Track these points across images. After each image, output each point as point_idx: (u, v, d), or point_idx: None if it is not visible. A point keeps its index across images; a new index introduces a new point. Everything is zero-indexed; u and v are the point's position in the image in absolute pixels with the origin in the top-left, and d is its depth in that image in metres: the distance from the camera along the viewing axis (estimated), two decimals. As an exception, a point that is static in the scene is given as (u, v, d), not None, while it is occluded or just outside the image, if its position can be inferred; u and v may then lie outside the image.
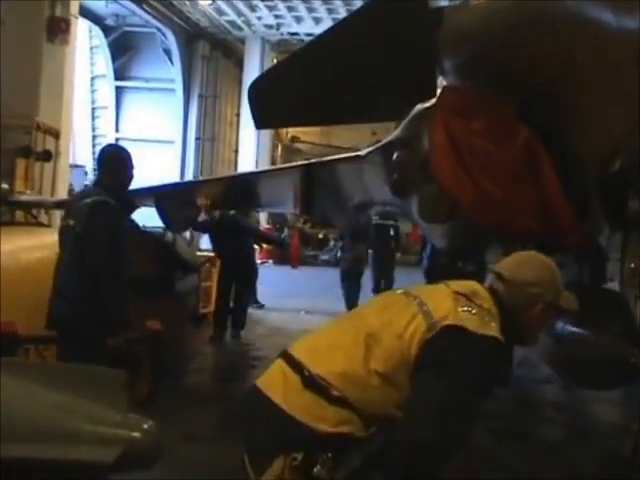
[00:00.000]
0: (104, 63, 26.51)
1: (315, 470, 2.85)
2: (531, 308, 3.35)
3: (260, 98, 5.56)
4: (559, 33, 4.12)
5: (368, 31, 4.99)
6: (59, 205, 10.31)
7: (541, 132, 4.62)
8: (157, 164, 23.58)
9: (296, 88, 5.31)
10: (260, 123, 5.96)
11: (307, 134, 31.00)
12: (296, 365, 3.10)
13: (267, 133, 29.72)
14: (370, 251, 17.13)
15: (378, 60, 5.03)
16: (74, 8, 14.57)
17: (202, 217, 13.08)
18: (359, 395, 2.97)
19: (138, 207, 10.51)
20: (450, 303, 3.14)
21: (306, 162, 9.52)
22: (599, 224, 4.98)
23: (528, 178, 4.77)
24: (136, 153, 18.52)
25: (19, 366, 3.83)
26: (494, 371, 3.11)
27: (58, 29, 13.89)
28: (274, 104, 5.48)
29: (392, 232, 16.70)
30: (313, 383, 3.00)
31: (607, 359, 5.50)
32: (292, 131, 32.35)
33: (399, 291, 3.40)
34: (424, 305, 3.13)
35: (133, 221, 10.78)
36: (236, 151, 28.40)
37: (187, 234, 16.69)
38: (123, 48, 26.18)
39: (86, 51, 25.98)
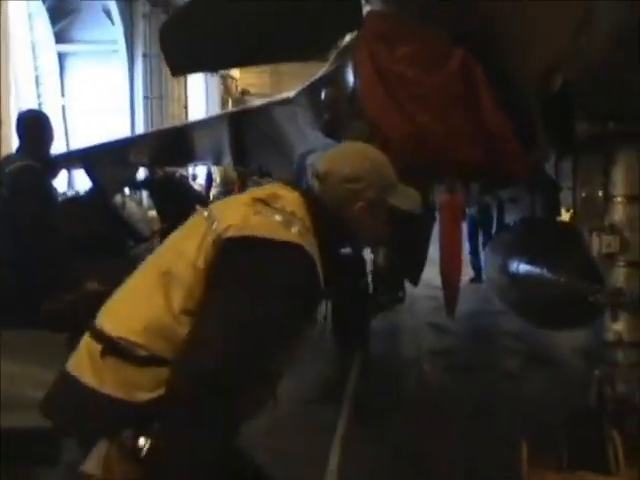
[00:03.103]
0: (44, 29, 25.74)
1: (139, 443, 2.46)
2: (350, 207, 2.86)
3: (173, 41, 5.09)
4: None
5: None
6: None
7: (475, 52, 4.19)
8: (106, 126, 22.96)
9: (211, 27, 4.84)
10: (176, 69, 5.49)
11: (257, 86, 30.61)
12: (96, 334, 2.65)
13: (216, 88, 29.44)
14: None
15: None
16: (1, -24, 14.02)
17: (144, 176, 12.79)
18: (170, 347, 2.52)
19: (62, 169, 10.16)
20: (241, 211, 2.67)
21: (235, 109, 9.15)
22: (545, 150, 4.59)
23: (465, 105, 4.34)
24: (84, 116, 18.40)
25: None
26: (295, 281, 2.59)
27: (-13, -4, 13.42)
28: (189, 47, 5.01)
29: None
30: (116, 348, 2.56)
31: (564, 297, 5.19)
32: (242, 84, 32.08)
33: (196, 213, 2.91)
34: (214, 221, 2.67)
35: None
36: (186, 107, 27.99)
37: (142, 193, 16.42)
38: (62, 12, 25.42)
39: (24, 18, 25.17)
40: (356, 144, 3.19)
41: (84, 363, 2.61)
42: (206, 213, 2.78)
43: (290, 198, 2.78)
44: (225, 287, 2.53)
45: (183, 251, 2.65)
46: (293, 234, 2.60)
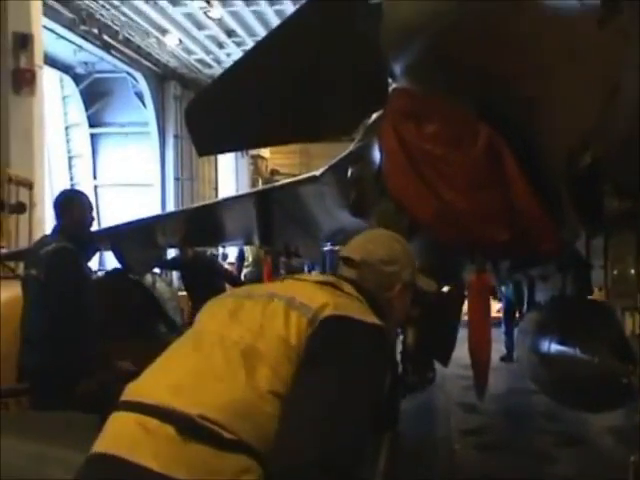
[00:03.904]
0: (77, 112, 26.15)
1: None
2: (390, 290, 2.93)
3: (199, 121, 5.10)
4: (510, 17, 3.60)
5: (305, 38, 4.52)
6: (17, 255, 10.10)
7: (502, 129, 4.14)
8: (138, 208, 23.14)
9: (237, 106, 4.83)
10: (202, 149, 5.49)
11: (286, 166, 30.77)
12: (163, 413, 2.34)
13: (246, 169, 29.62)
14: None
15: (322, 69, 4.56)
16: (39, 58, 14.29)
17: (174, 255, 12.78)
18: (254, 430, 2.32)
19: (100, 250, 10.19)
20: (321, 292, 2.65)
21: (261, 188, 9.16)
22: (574, 228, 4.49)
23: (493, 183, 4.28)
24: (116, 198, 18.85)
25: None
26: (385, 362, 2.69)
27: (24, 81, 13.66)
28: (215, 126, 5.01)
29: None
30: (195, 428, 2.28)
31: (597, 378, 5.06)
32: (271, 164, 32.27)
33: (230, 295, 2.86)
34: (292, 299, 2.59)
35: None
36: (216, 189, 28.14)
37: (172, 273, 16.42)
38: (95, 95, 25.83)
39: (58, 101, 25.63)
40: (378, 230, 3.35)
41: (141, 444, 2.31)
42: (259, 296, 2.71)
43: (348, 285, 2.80)
44: (326, 365, 2.41)
45: (265, 329, 2.53)
46: (373, 316, 2.61)
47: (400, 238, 3.12)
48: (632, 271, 3.82)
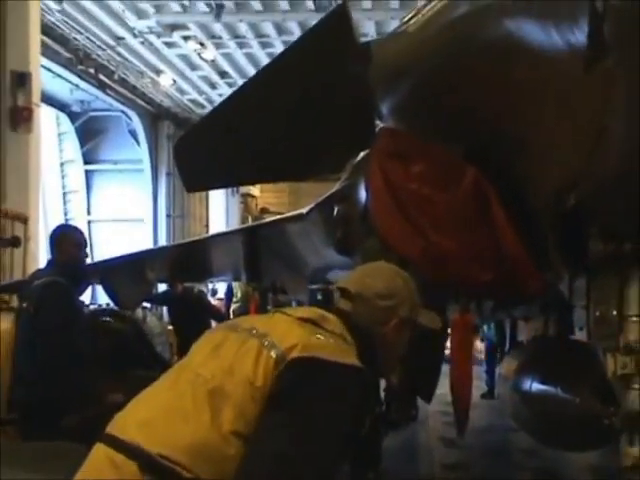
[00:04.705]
0: (72, 148, 26.27)
1: None
2: (385, 325, 2.82)
3: (188, 157, 5.13)
4: (497, 60, 3.64)
5: (294, 77, 4.58)
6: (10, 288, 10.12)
7: (488, 170, 4.17)
8: (130, 243, 23.17)
9: (225, 144, 4.87)
10: (190, 185, 5.51)
11: (276, 205, 30.83)
12: (128, 448, 2.38)
13: (236, 206, 29.80)
14: None
15: (310, 108, 4.61)
16: (36, 97, 14.36)
17: (164, 290, 12.78)
18: (214, 471, 2.32)
19: (92, 284, 10.17)
20: (298, 330, 2.57)
21: (248, 225, 9.19)
22: (558, 269, 4.50)
23: (478, 223, 4.29)
24: (109, 234, 18.95)
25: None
26: (360, 402, 2.51)
27: (21, 118, 13.71)
28: (204, 164, 5.04)
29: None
30: (155, 467, 2.30)
31: (578, 418, 5.06)
32: (261, 203, 32.39)
33: (223, 327, 2.82)
34: (265, 337, 2.54)
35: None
36: (207, 226, 28.27)
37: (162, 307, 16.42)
38: (90, 132, 25.99)
39: (54, 138, 25.73)
40: (381, 263, 3.20)
41: (109, 478, 2.38)
42: (240, 330, 2.67)
43: (335, 321, 2.71)
44: (290, 408, 2.38)
45: (235, 369, 2.50)
46: (352, 356, 2.54)
47: (403, 273, 3.03)
48: (614, 312, 3.82)
